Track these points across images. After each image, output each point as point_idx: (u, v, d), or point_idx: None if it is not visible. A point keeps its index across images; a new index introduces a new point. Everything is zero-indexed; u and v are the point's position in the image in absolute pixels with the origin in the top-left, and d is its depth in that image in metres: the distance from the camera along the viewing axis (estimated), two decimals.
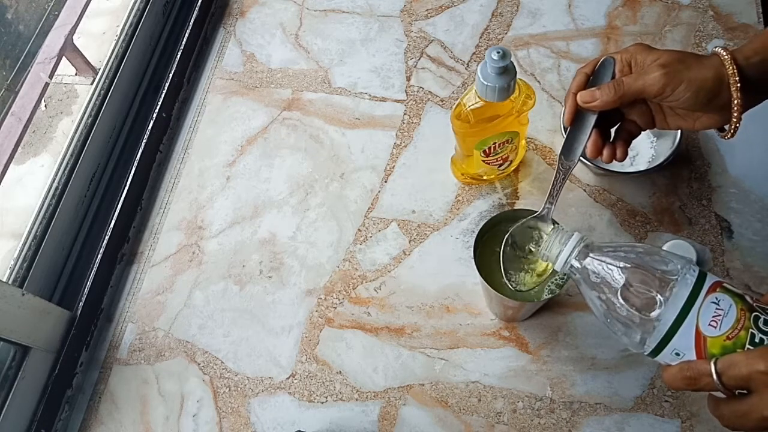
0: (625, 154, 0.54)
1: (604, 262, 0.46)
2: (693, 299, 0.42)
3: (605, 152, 0.53)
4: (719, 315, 0.41)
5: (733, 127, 0.49)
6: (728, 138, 0.51)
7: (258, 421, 0.65)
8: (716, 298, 0.42)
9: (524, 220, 0.55)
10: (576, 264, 0.48)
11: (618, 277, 0.45)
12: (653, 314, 0.42)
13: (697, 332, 0.41)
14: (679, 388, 0.42)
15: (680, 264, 0.44)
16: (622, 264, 0.45)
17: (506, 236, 0.54)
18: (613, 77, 0.51)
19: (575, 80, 0.53)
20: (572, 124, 0.53)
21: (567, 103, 0.53)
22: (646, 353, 0.44)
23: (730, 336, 0.41)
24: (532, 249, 0.55)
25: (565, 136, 0.54)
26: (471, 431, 0.61)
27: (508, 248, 0.55)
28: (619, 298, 0.44)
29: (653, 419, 0.59)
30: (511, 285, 0.54)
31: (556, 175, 0.54)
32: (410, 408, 0.63)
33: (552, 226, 0.54)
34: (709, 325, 0.41)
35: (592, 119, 0.52)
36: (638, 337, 0.44)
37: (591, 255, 0.47)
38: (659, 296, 0.43)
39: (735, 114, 0.48)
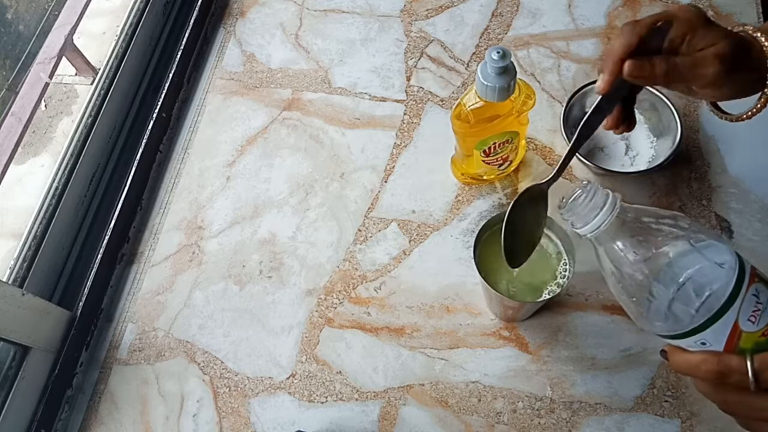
0: (634, 121, 0.51)
1: (644, 236, 0.40)
2: (736, 293, 0.38)
3: (626, 124, 0.50)
4: (759, 309, 0.38)
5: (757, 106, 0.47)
6: (744, 119, 0.49)
7: (258, 421, 0.65)
8: (756, 290, 0.38)
9: (528, 186, 0.51)
10: (608, 231, 0.41)
11: (660, 259, 0.39)
12: (691, 305, 0.39)
13: (735, 326, 0.38)
14: (697, 376, 0.39)
15: (725, 247, 0.39)
16: (666, 245, 0.39)
17: (507, 210, 0.51)
18: (661, 46, 0.46)
19: (622, 41, 0.46)
20: (607, 93, 0.47)
21: (606, 68, 0.46)
22: (657, 333, 0.41)
23: (765, 332, 0.38)
24: (530, 235, 0.53)
25: (592, 106, 0.48)
26: (471, 431, 0.61)
27: (510, 222, 0.51)
28: (656, 283, 0.39)
29: (653, 419, 0.59)
30: (511, 265, 0.52)
31: (572, 145, 0.50)
32: (410, 408, 0.63)
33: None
34: (749, 320, 0.38)
35: (625, 90, 0.48)
36: (661, 323, 0.40)
37: (629, 224, 0.41)
38: (706, 286, 0.38)
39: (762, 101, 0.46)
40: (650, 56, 0.46)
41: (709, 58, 0.45)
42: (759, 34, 0.46)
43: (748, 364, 0.37)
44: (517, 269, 0.54)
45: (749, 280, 0.39)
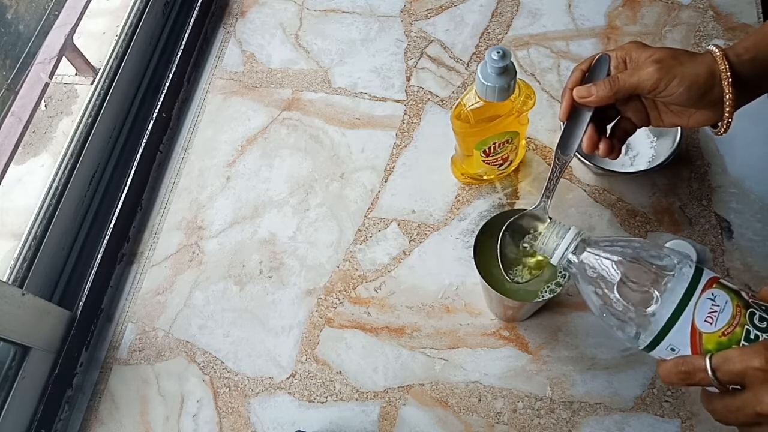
0: (619, 152, 0.55)
1: (600, 256, 0.46)
2: (689, 295, 0.42)
3: (601, 146, 0.53)
4: (715, 311, 0.41)
5: (725, 123, 0.50)
6: (721, 134, 0.51)
7: (258, 421, 0.65)
8: (712, 294, 0.42)
9: (520, 214, 0.55)
10: (573, 258, 0.48)
11: (614, 272, 0.45)
12: (649, 310, 0.43)
13: (693, 328, 0.41)
14: (674, 383, 0.42)
15: (677, 259, 0.44)
16: (618, 258, 0.45)
17: (502, 231, 0.55)
18: (609, 74, 0.52)
19: (572, 76, 0.54)
20: (568, 119, 0.54)
21: (563, 98, 0.54)
22: (641, 348, 0.45)
23: (725, 332, 0.41)
24: (528, 245, 0.55)
25: (561, 131, 0.55)
26: (471, 431, 0.61)
27: (505, 242, 0.55)
28: (615, 292, 0.44)
29: (653, 419, 0.59)
30: (509, 277, 0.55)
31: (552, 169, 0.54)
32: (410, 408, 0.63)
33: (548, 220, 0.54)
34: (705, 321, 0.41)
35: (587, 115, 0.53)
36: (633, 331, 0.44)
37: (588, 249, 0.47)
38: (655, 291, 0.43)
39: (727, 110, 0.49)
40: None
41: (646, 62, 0.49)
42: (715, 49, 0.48)
43: (707, 360, 0.40)
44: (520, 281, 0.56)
45: (705, 285, 0.42)
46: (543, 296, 0.56)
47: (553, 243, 0.48)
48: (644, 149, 0.70)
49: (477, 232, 0.58)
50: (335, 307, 0.69)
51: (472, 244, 0.58)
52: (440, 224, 0.71)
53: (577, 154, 0.57)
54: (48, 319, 0.66)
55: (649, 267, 0.44)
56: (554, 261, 0.49)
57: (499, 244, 0.55)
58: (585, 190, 0.71)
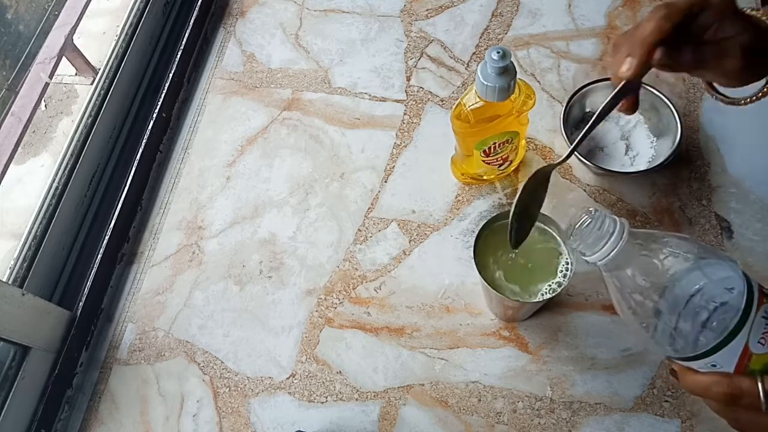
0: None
1: (652, 261, 0.40)
2: (746, 317, 0.38)
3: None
4: None
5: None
6: (751, 102, 0.48)
7: (258, 421, 0.65)
8: (765, 312, 0.38)
9: (538, 169, 0.51)
10: (616, 259, 0.41)
11: (668, 284, 0.39)
12: (703, 329, 0.39)
13: (746, 349, 0.38)
14: (706, 397, 0.39)
15: (736, 274, 0.39)
16: (675, 269, 0.39)
17: (518, 192, 0.51)
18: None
19: (655, 26, 0.44)
20: (636, 78, 0.45)
21: (637, 53, 0.44)
22: (670, 356, 0.41)
23: None
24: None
25: (614, 92, 0.47)
26: (471, 431, 0.61)
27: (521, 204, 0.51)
28: (666, 309, 0.39)
29: (653, 419, 0.59)
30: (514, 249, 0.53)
31: (594, 119, 0.48)
32: (410, 408, 0.63)
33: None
34: (759, 342, 0.38)
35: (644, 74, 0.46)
36: (672, 346, 0.40)
37: (640, 252, 0.40)
38: (713, 309, 0.38)
39: None
40: (678, 44, 0.45)
41: (734, 49, 0.44)
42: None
43: (759, 386, 0.38)
44: (515, 252, 0.55)
45: (758, 302, 0.38)
46: (543, 296, 0.56)
47: (599, 239, 0.41)
48: (644, 149, 0.70)
49: (477, 232, 0.58)
50: (335, 307, 0.69)
51: (472, 244, 0.58)
52: (440, 224, 0.71)
53: (577, 154, 0.57)
54: (48, 319, 0.66)
55: (705, 277, 0.39)
56: (594, 260, 0.42)
57: (513, 210, 0.50)
58: (585, 190, 0.71)
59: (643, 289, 0.41)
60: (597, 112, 0.48)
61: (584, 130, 0.49)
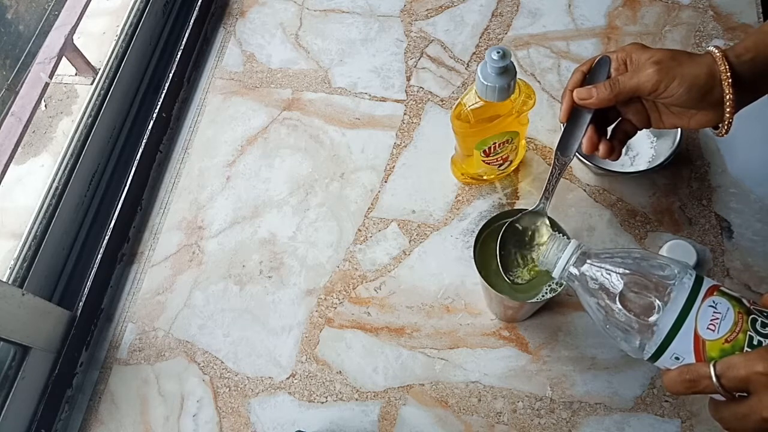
0: (620, 154, 0.55)
1: (601, 268, 0.46)
2: (690, 303, 0.42)
3: (602, 147, 0.54)
4: (717, 318, 0.41)
5: (726, 124, 0.50)
6: (722, 135, 0.51)
7: (258, 421, 0.65)
8: (714, 302, 0.42)
9: (519, 215, 0.56)
10: (574, 271, 0.48)
11: (616, 283, 0.45)
12: (651, 319, 0.43)
13: (696, 336, 0.42)
14: (680, 392, 0.42)
15: (677, 268, 0.44)
16: (619, 270, 0.45)
17: (501, 232, 0.55)
18: (609, 76, 0.52)
19: (572, 78, 0.54)
20: (569, 120, 0.54)
21: (564, 100, 0.54)
22: (646, 358, 0.45)
23: (728, 339, 0.41)
24: (526, 253, 0.56)
25: (561, 132, 0.55)
26: (471, 431, 0.61)
27: (505, 243, 0.55)
28: (618, 303, 0.44)
29: (653, 419, 0.59)
30: (509, 278, 0.55)
31: (551, 170, 0.55)
32: (410, 408, 0.63)
33: (549, 233, 0.54)
34: (708, 328, 0.41)
35: (587, 117, 0.53)
36: (637, 342, 0.44)
37: (588, 262, 0.47)
38: (657, 301, 0.43)
39: (728, 111, 0.48)
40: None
41: (646, 64, 0.49)
42: (715, 50, 0.48)
43: (711, 368, 0.40)
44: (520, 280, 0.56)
45: (706, 293, 0.42)
46: (543, 296, 0.56)
47: (554, 256, 0.49)
48: (644, 149, 0.70)
49: (477, 232, 0.58)
50: (335, 307, 0.69)
51: (472, 244, 0.58)
52: (440, 224, 0.71)
53: (577, 154, 0.57)
54: (48, 319, 0.66)
55: (650, 277, 0.44)
56: (555, 274, 0.49)
57: (498, 245, 0.55)
58: (585, 190, 0.71)
59: (603, 298, 0.46)
60: (553, 156, 0.55)
61: (548, 179, 0.55)
